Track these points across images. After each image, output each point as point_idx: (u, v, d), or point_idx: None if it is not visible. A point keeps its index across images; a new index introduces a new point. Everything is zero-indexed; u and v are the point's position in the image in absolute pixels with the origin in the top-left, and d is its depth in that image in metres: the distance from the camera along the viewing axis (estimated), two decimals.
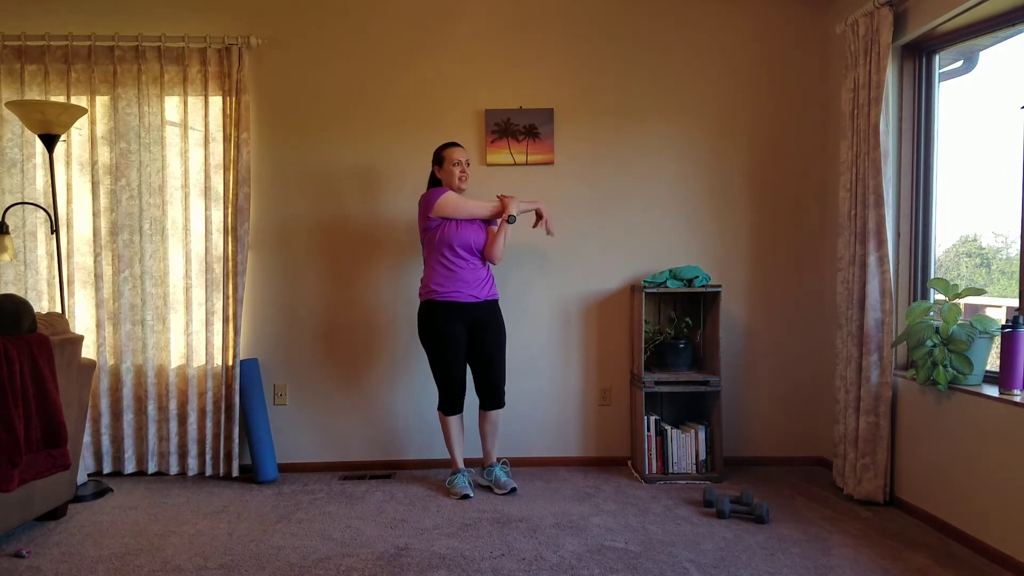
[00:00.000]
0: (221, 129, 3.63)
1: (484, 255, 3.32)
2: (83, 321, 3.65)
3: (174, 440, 3.63)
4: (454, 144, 3.34)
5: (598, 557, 2.61)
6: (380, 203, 3.75)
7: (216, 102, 3.65)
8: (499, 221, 3.29)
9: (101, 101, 3.60)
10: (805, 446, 3.85)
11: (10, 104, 3.19)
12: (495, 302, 3.38)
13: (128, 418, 3.62)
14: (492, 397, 3.37)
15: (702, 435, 3.55)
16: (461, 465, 3.42)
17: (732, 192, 3.80)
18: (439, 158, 3.32)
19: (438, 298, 3.24)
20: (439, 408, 3.37)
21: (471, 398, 3.51)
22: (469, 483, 3.36)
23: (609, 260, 3.80)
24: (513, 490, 3.34)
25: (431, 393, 3.77)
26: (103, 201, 3.60)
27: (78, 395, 2.99)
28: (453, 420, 3.37)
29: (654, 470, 3.55)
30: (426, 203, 3.24)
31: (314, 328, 3.76)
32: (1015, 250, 2.99)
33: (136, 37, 3.56)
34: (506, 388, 3.48)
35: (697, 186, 3.80)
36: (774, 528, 2.89)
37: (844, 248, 3.33)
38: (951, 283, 2.87)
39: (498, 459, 3.48)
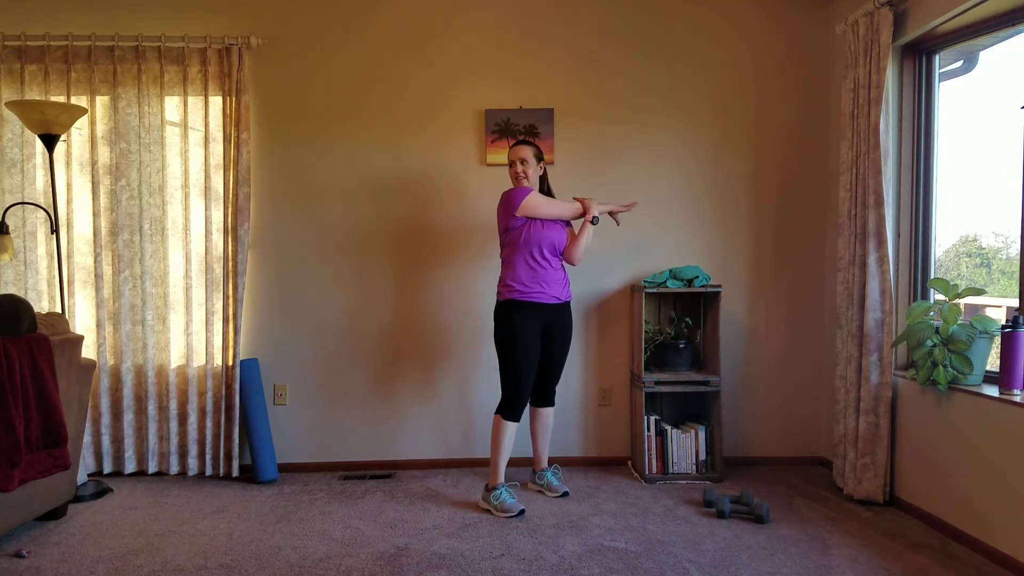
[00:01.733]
0: (221, 129, 3.63)
1: (564, 256, 3.25)
2: (83, 321, 3.65)
3: (174, 440, 3.63)
4: (517, 143, 3.25)
5: (598, 557, 2.61)
6: (380, 203, 3.75)
7: (216, 102, 3.65)
8: (582, 222, 3.23)
9: (101, 101, 3.60)
10: (805, 446, 3.85)
11: (10, 104, 3.19)
12: (569, 304, 3.31)
13: (128, 418, 3.62)
14: (548, 395, 3.35)
15: (702, 435, 3.55)
16: (503, 478, 3.17)
17: (732, 192, 3.80)
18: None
19: (522, 298, 3.13)
20: (500, 412, 3.16)
21: None
22: (514, 496, 3.17)
23: (609, 260, 3.80)
24: (565, 494, 3.30)
25: (431, 393, 3.77)
26: (103, 201, 3.60)
27: (78, 395, 2.99)
28: (511, 427, 3.15)
29: (654, 470, 3.55)
30: (509, 202, 3.15)
31: (314, 328, 3.76)
32: (1015, 250, 2.99)
33: (136, 37, 3.56)
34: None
35: (697, 186, 3.80)
36: (774, 528, 2.89)
37: (844, 248, 3.33)
38: (951, 283, 2.87)
39: (548, 466, 3.42)
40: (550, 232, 3.18)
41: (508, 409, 3.16)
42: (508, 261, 3.21)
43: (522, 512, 3.05)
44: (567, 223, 3.31)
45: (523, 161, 3.19)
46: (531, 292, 3.15)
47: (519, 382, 3.14)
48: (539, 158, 3.25)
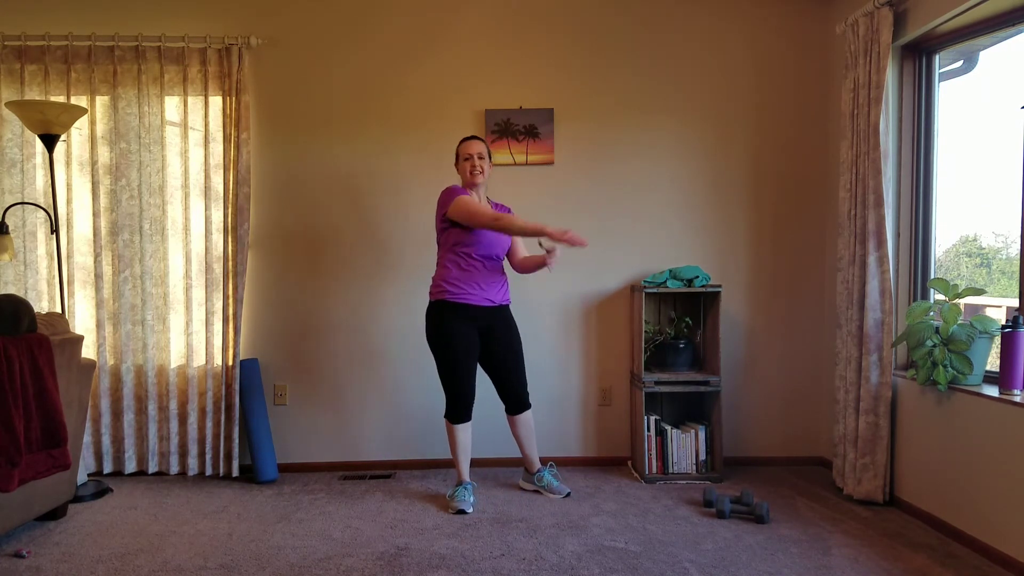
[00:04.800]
0: (221, 129, 3.63)
1: (512, 263, 3.21)
2: (83, 321, 3.65)
3: (174, 440, 3.63)
4: (469, 137, 3.19)
5: (598, 557, 2.61)
6: (380, 203, 3.75)
7: (216, 102, 3.65)
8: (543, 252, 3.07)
9: (101, 101, 3.60)
10: (805, 446, 3.85)
11: (10, 104, 3.19)
12: (508, 306, 3.24)
13: (128, 418, 3.62)
14: (517, 402, 3.24)
15: (702, 435, 3.55)
16: (466, 477, 3.22)
17: (732, 192, 3.80)
18: (456, 153, 3.19)
19: (452, 299, 3.07)
20: (446, 416, 3.18)
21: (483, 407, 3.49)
22: (470, 498, 3.15)
23: (609, 260, 3.80)
24: (568, 495, 3.26)
25: (432, 393, 3.77)
26: (103, 201, 3.60)
27: (78, 395, 2.99)
28: (460, 429, 3.17)
29: (654, 470, 3.55)
30: (442, 201, 3.09)
31: (314, 328, 3.76)
32: (1015, 250, 2.99)
33: (136, 37, 3.56)
34: None
35: (697, 186, 3.80)
36: (774, 528, 2.89)
37: (844, 248, 3.33)
38: (951, 283, 2.87)
39: (543, 461, 3.32)
40: (485, 232, 3.06)
41: (451, 412, 3.16)
42: (440, 259, 3.17)
43: (461, 511, 3.06)
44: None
45: (480, 156, 3.11)
46: (461, 294, 3.07)
47: (456, 385, 3.11)
48: (490, 156, 3.21)
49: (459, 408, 3.16)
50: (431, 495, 3.34)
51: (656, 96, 3.77)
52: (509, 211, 3.25)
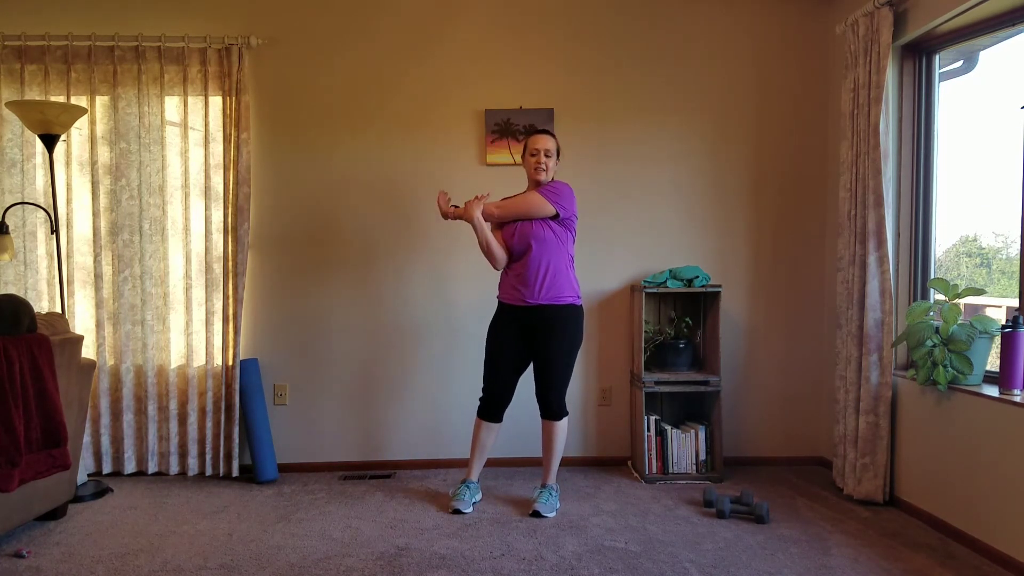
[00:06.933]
0: (221, 129, 3.63)
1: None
2: (83, 321, 3.65)
3: (174, 440, 3.63)
4: (538, 131, 3.14)
5: (598, 557, 2.61)
6: (380, 203, 3.75)
7: (216, 102, 3.65)
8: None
9: (101, 101, 3.60)
10: (805, 446, 3.85)
11: (10, 104, 3.19)
12: (559, 307, 3.05)
13: (128, 418, 3.62)
14: (543, 407, 3.14)
15: (702, 435, 3.55)
16: (473, 476, 3.22)
17: (732, 192, 3.80)
18: (523, 145, 3.14)
19: (498, 297, 3.22)
20: (477, 411, 3.23)
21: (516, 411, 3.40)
22: (470, 499, 3.14)
23: (609, 260, 3.80)
24: (535, 512, 3.03)
25: (432, 394, 3.78)
26: (103, 201, 3.60)
27: (78, 395, 2.99)
28: (483, 426, 3.19)
29: (654, 470, 3.55)
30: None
31: (314, 328, 3.76)
32: (1015, 250, 2.99)
33: (136, 37, 3.56)
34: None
35: (697, 186, 3.80)
36: (774, 528, 2.89)
37: (844, 248, 3.33)
38: (951, 283, 2.87)
39: (544, 485, 3.17)
40: (507, 229, 3.10)
41: (479, 406, 3.22)
42: None
43: (457, 511, 3.06)
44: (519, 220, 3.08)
45: (547, 153, 3.06)
46: (501, 293, 3.20)
47: (487, 379, 3.19)
48: (559, 153, 3.16)
49: (485, 404, 3.20)
50: (431, 495, 3.34)
51: (656, 96, 3.77)
52: (562, 188, 3.10)
